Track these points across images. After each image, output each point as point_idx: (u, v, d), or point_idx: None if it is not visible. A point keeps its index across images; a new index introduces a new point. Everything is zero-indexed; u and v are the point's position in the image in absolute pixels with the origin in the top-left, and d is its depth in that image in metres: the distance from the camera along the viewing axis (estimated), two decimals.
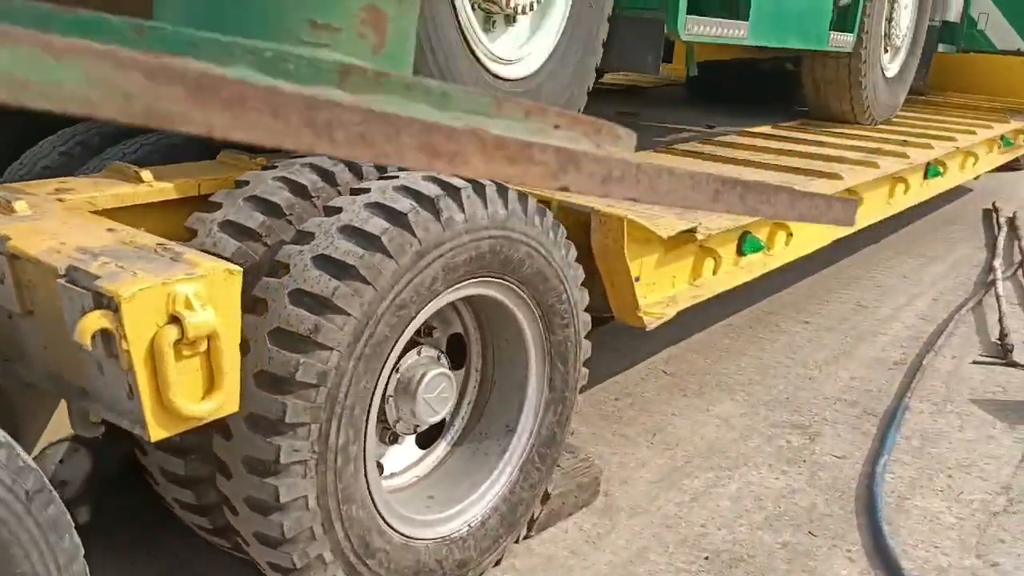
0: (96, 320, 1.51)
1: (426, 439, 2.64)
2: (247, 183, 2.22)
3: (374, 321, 1.97)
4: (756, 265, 3.61)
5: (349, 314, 1.93)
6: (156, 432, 1.59)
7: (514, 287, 2.38)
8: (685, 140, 4.85)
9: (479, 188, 2.21)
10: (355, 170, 2.32)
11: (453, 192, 2.15)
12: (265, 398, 1.89)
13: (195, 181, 2.36)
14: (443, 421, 2.66)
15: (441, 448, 2.64)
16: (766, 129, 5.44)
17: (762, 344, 4.42)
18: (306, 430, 1.91)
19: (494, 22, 2.78)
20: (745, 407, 3.72)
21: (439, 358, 2.43)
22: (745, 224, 3.40)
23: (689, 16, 3.53)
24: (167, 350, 1.56)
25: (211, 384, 1.66)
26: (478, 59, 2.62)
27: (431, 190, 2.12)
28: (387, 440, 2.48)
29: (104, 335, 1.52)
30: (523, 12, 2.82)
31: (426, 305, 2.13)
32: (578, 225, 2.82)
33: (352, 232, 1.99)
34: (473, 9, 2.65)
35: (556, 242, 2.47)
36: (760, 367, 4.13)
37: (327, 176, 2.25)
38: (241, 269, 1.69)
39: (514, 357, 2.58)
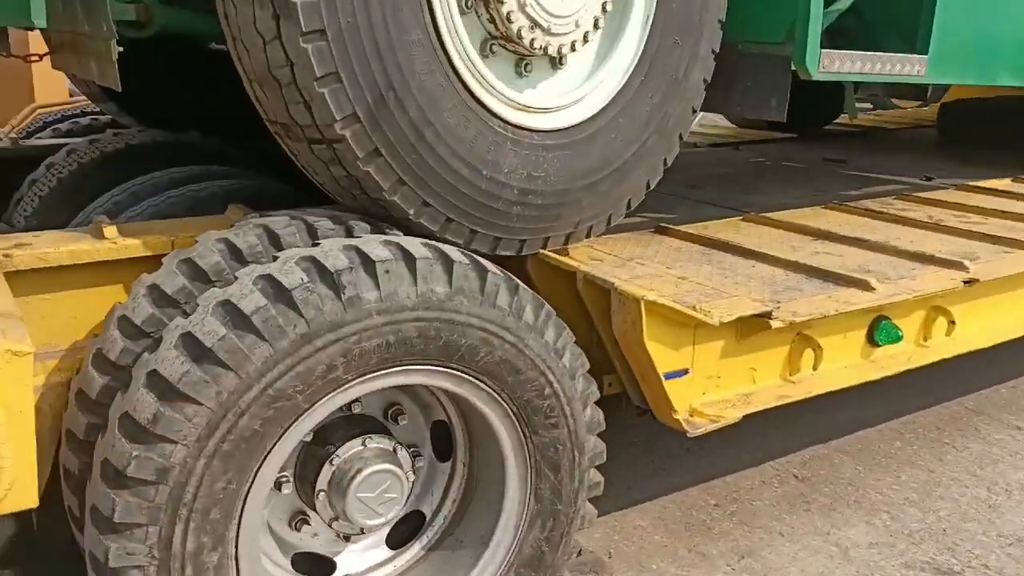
0: None
1: (406, 537, 2.33)
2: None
3: (235, 413, 1.70)
4: (898, 359, 2.86)
5: (200, 403, 1.68)
6: None
7: (471, 379, 2.00)
8: (882, 193, 4.09)
9: (408, 261, 1.87)
10: (311, 232, 2.09)
11: (368, 265, 1.83)
12: (102, 491, 1.69)
13: (168, 238, 2.26)
14: (423, 518, 2.33)
15: (414, 551, 2.30)
16: (1002, 183, 4.44)
17: (943, 453, 3.54)
18: (142, 532, 1.68)
19: (528, 65, 2.40)
20: (882, 535, 2.95)
21: (395, 451, 2.09)
22: (879, 306, 2.71)
23: (824, 50, 2.90)
24: None
25: None
26: (487, 108, 2.26)
27: (338, 262, 1.82)
28: (342, 537, 2.19)
29: None
30: (567, 51, 2.41)
31: (325, 397, 1.82)
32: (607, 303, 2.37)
33: (227, 308, 1.75)
34: (486, 54, 2.29)
35: (534, 325, 2.05)
36: (926, 484, 3.29)
37: (273, 238, 2.04)
38: (31, 351, 1.51)
39: (490, 458, 2.19)
